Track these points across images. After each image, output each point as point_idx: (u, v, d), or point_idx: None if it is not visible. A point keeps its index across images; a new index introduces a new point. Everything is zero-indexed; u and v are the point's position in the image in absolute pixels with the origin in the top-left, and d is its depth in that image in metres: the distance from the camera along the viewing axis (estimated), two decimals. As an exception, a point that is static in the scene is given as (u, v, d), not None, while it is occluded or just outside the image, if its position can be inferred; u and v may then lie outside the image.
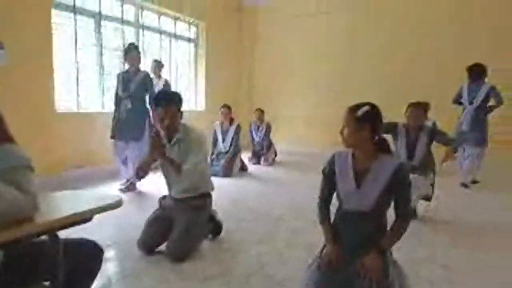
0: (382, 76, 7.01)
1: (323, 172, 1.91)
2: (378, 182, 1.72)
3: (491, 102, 4.84)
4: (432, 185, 3.57)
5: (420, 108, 3.50)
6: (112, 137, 4.40)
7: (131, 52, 4.37)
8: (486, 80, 4.88)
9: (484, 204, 4.13)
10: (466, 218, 3.59)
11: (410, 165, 3.42)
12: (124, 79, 4.36)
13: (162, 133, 2.66)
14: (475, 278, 2.34)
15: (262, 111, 6.62)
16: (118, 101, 4.39)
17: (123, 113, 4.29)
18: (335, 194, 1.88)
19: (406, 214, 1.76)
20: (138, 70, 4.41)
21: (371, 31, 7.11)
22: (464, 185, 4.95)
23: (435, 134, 3.56)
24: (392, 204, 1.76)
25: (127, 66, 4.46)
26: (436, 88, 6.27)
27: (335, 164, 1.85)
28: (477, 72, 4.85)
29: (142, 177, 2.64)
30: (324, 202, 1.92)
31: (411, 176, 3.26)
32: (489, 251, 2.77)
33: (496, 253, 2.73)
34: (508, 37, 6.05)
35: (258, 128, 6.60)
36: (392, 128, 3.59)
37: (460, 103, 5.07)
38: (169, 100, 2.62)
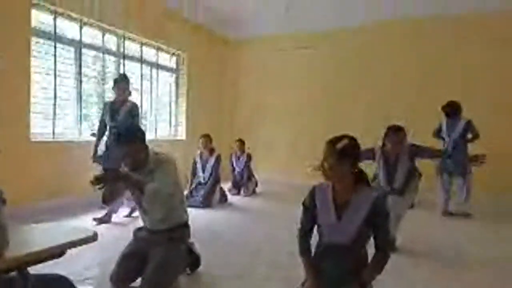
0: (360, 106, 7.21)
1: (303, 204, 1.91)
2: (357, 214, 1.74)
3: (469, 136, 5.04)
4: (413, 204, 3.55)
5: (400, 134, 3.42)
6: (96, 161, 4.39)
7: (120, 82, 4.42)
8: (462, 115, 5.07)
9: (465, 236, 4.18)
10: (446, 251, 3.62)
11: (390, 189, 3.43)
12: (112, 109, 4.39)
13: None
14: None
15: (242, 142, 6.65)
16: (103, 129, 4.46)
17: (112, 142, 4.24)
18: (315, 227, 1.88)
19: (386, 247, 1.77)
20: (126, 100, 4.44)
21: (350, 64, 7.34)
22: (449, 213, 5.03)
23: (416, 152, 3.50)
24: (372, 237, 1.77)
25: (113, 95, 4.51)
26: (416, 113, 6.45)
27: (316, 197, 1.86)
28: (452, 110, 5.04)
29: (109, 202, 2.53)
30: (305, 235, 1.91)
31: (390, 197, 3.33)
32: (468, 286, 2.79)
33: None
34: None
35: (239, 158, 6.60)
36: (370, 154, 3.57)
37: (440, 137, 5.26)
38: (127, 137, 2.47)
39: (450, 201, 5.17)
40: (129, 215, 4.56)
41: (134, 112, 4.42)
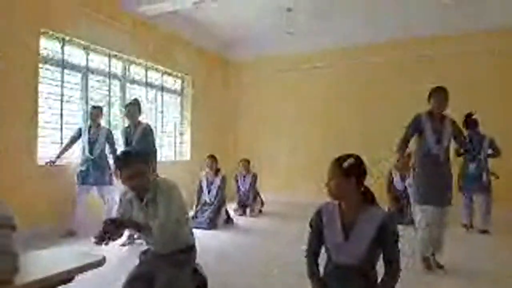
0: (363, 125, 7.27)
1: (310, 224, 1.91)
2: (365, 234, 1.73)
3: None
4: None
5: (445, 92, 3.51)
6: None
7: (129, 107, 4.64)
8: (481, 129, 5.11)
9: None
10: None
11: (439, 149, 3.43)
12: (126, 133, 4.60)
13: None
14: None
15: (248, 162, 6.65)
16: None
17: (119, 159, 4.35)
18: (323, 247, 1.87)
19: (394, 267, 1.75)
20: (139, 123, 4.61)
21: (352, 84, 7.44)
22: (483, 231, 5.03)
23: (455, 130, 3.55)
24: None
25: (126, 121, 4.78)
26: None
27: (323, 217, 1.85)
28: (473, 122, 5.08)
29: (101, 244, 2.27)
30: (312, 255, 1.89)
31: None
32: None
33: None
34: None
35: (244, 178, 6.59)
36: (416, 124, 3.59)
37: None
38: (131, 158, 2.44)
39: (471, 216, 5.21)
40: (126, 243, 4.29)
41: (147, 133, 4.56)
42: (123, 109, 4.80)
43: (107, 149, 4.87)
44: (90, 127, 4.77)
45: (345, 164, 1.74)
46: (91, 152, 4.68)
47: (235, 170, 6.83)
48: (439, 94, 3.49)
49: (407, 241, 4.33)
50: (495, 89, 6.34)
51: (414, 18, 6.39)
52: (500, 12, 6.04)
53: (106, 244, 2.24)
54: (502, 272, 3.45)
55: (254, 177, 6.57)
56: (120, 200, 2.61)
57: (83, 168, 4.69)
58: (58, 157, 4.67)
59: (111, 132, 4.91)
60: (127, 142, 4.53)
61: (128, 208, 2.55)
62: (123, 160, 2.46)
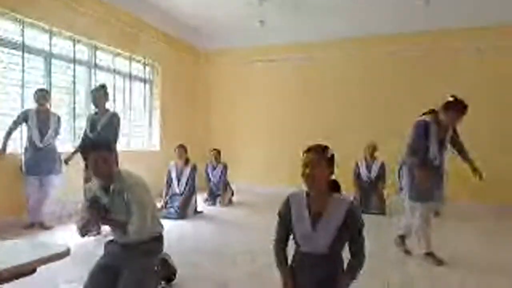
0: (332, 115, 7.42)
1: (278, 215, 1.93)
2: (332, 223, 1.77)
3: None
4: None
5: (465, 112, 3.36)
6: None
7: (95, 92, 4.41)
8: None
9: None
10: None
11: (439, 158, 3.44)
12: (93, 120, 4.37)
13: (96, 185, 2.48)
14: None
15: (218, 152, 6.63)
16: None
17: (84, 146, 4.18)
18: (291, 236, 1.90)
19: (360, 253, 1.81)
20: (106, 110, 4.41)
21: (321, 75, 7.55)
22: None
23: (454, 137, 3.56)
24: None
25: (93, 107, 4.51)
26: (389, 126, 6.70)
27: (291, 207, 1.88)
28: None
29: (85, 235, 2.50)
30: (280, 245, 1.92)
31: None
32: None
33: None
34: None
35: (214, 168, 6.57)
36: (423, 129, 3.42)
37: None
38: (98, 144, 2.49)
39: None
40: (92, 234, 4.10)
41: (113, 121, 4.36)
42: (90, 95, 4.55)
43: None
44: (38, 112, 4.38)
45: (327, 154, 1.78)
46: (41, 140, 4.36)
47: (207, 160, 6.79)
48: (459, 111, 3.30)
49: (375, 228, 4.49)
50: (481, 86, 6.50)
51: (392, 13, 6.45)
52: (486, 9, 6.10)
53: (86, 234, 2.30)
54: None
55: (225, 167, 6.56)
56: (85, 196, 2.53)
57: (31, 157, 4.31)
58: (5, 144, 4.24)
59: (60, 119, 4.62)
60: (92, 129, 4.32)
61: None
62: (90, 146, 2.47)
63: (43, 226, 4.40)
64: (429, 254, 3.44)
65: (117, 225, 2.43)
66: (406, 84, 6.93)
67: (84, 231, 2.46)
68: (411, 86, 6.86)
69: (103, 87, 4.50)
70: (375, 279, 2.97)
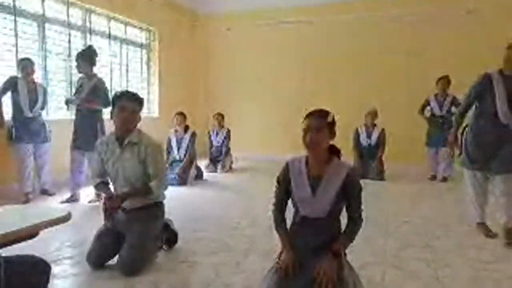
0: (334, 82, 7.31)
1: (277, 180, 1.94)
2: (331, 187, 1.78)
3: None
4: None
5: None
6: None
7: (78, 56, 4.23)
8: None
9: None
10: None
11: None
12: (79, 84, 4.28)
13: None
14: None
15: (222, 116, 6.61)
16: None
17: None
18: (290, 201, 1.92)
19: (357, 217, 1.83)
20: (93, 75, 4.29)
21: (324, 40, 7.37)
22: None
23: None
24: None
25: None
26: (386, 95, 6.66)
27: (290, 172, 1.88)
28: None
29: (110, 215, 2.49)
30: (279, 209, 1.95)
31: None
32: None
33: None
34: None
35: (217, 133, 6.57)
36: (486, 82, 3.09)
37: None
38: (135, 98, 2.56)
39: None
40: (93, 201, 4.23)
41: (99, 88, 4.24)
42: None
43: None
44: (26, 82, 4.21)
45: (330, 119, 1.77)
46: (30, 110, 4.22)
47: (205, 126, 6.77)
48: None
49: (374, 194, 4.56)
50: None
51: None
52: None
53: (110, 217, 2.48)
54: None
55: (228, 132, 6.56)
56: (97, 148, 2.65)
57: (21, 125, 4.18)
58: (2, 115, 4.08)
59: (46, 90, 4.51)
60: (78, 92, 4.24)
61: (102, 151, 2.62)
62: (126, 94, 2.55)
63: (47, 193, 4.46)
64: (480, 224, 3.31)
65: (138, 193, 2.54)
66: (410, 49, 6.76)
67: (107, 220, 2.52)
68: (416, 51, 6.71)
69: (87, 50, 4.29)
70: (372, 245, 3.03)
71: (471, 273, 2.51)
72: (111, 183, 2.68)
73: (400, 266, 2.60)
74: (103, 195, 3.24)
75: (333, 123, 1.79)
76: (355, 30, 7.13)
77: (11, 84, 4.16)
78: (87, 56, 4.22)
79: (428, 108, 5.76)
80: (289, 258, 1.77)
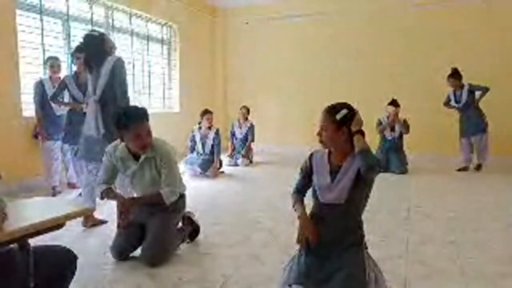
0: (352, 73, 7.21)
1: (300, 168, 1.97)
2: (348, 176, 1.77)
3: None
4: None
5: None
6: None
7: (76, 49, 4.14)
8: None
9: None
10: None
11: None
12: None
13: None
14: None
15: (247, 109, 6.62)
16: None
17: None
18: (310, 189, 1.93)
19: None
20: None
21: (345, 34, 7.26)
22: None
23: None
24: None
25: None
26: (406, 88, 6.54)
27: (313, 161, 1.91)
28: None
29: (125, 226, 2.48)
30: (299, 190, 1.98)
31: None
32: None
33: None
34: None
35: (240, 126, 6.58)
36: None
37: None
38: (143, 113, 2.44)
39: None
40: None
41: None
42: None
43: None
44: (51, 81, 4.30)
45: (338, 116, 1.72)
46: (57, 109, 4.33)
47: (225, 120, 6.79)
48: None
49: (396, 187, 4.47)
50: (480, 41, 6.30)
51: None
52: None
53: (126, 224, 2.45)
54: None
55: (252, 126, 6.57)
56: (106, 157, 2.60)
57: (51, 123, 4.30)
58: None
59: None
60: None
61: (118, 166, 2.59)
62: (133, 116, 2.38)
63: (74, 186, 4.60)
64: None
65: (153, 199, 2.53)
66: (431, 40, 6.60)
67: (124, 225, 2.49)
68: (436, 42, 6.54)
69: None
70: (393, 237, 2.98)
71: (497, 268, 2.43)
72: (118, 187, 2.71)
73: (423, 260, 2.55)
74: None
75: (342, 120, 1.72)
76: (376, 21, 6.99)
77: (40, 87, 4.25)
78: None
79: (451, 102, 5.84)
80: (308, 227, 1.80)
